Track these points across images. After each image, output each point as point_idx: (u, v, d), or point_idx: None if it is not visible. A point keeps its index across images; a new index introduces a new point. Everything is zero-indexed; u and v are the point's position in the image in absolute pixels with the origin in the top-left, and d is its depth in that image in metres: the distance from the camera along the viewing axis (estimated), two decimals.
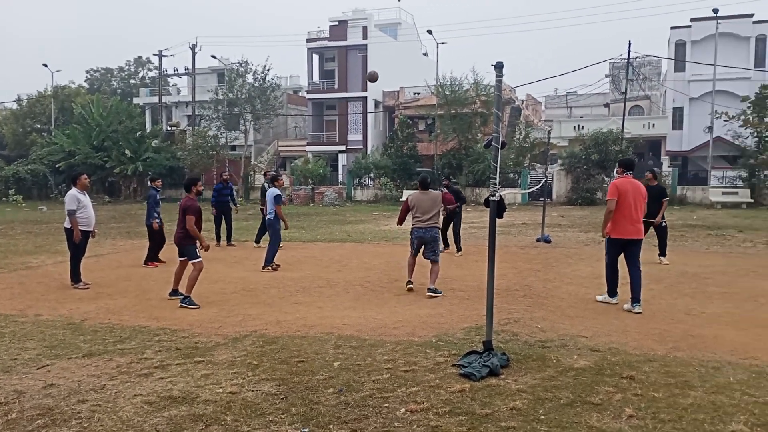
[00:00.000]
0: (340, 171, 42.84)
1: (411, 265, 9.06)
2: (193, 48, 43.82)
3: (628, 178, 7.82)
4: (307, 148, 44.98)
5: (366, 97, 44.10)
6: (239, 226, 16.95)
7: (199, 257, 8.10)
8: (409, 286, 8.85)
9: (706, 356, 5.52)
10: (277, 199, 11.23)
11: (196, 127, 42.84)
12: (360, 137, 44.40)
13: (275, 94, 43.27)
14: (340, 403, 4.50)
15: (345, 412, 4.33)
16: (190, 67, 45.98)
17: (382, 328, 6.66)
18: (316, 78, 47.11)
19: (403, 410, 4.33)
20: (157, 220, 11.74)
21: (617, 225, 7.59)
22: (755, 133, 29.26)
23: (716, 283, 9.28)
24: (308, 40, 46.27)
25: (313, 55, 46.57)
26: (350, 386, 4.82)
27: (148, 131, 44.27)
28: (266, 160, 44.77)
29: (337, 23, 45.63)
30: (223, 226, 14.70)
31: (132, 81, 70.03)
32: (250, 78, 41.52)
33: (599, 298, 8.00)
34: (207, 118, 42.42)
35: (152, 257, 11.73)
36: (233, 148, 43.80)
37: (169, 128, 47.92)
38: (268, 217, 11.53)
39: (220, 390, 4.80)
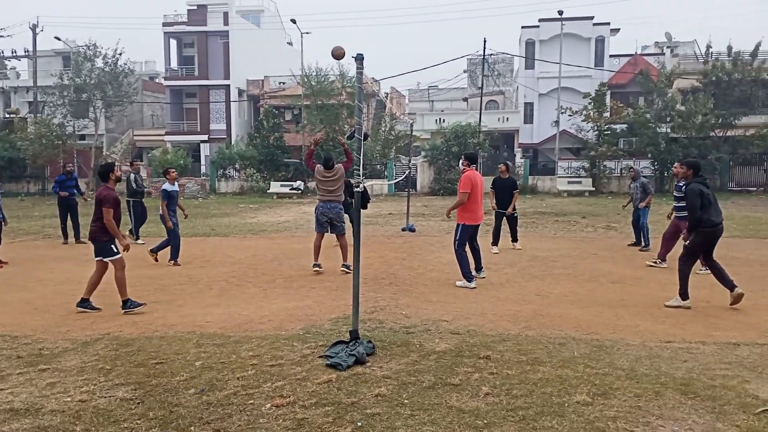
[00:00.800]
0: (203, 162, 41.23)
1: (317, 247, 9.55)
2: (33, 28, 39.89)
3: (474, 170, 8.55)
4: (166, 138, 42.79)
5: (229, 86, 42.80)
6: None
7: (117, 253, 7.22)
8: (316, 269, 9.38)
9: (554, 333, 5.98)
10: (162, 194, 10.63)
11: (38, 115, 39.16)
12: (223, 126, 43.00)
13: (129, 80, 40.65)
14: (202, 403, 4.33)
15: (207, 412, 4.18)
16: (30, 49, 41.81)
17: (248, 324, 6.51)
18: (174, 64, 44.83)
19: (268, 405, 4.26)
20: None
21: (472, 213, 8.36)
22: (595, 128, 32.10)
23: (563, 265, 10.08)
24: (164, 24, 43.98)
25: (171, 39, 44.29)
26: (213, 385, 4.66)
27: None
28: (120, 150, 42.05)
29: (195, 7, 43.69)
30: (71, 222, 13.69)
31: None
32: (99, 62, 38.66)
33: (460, 284, 8.38)
34: (51, 104, 38.88)
35: None
36: (82, 137, 40.61)
37: (7, 116, 43.37)
38: (159, 213, 10.90)
39: (68, 399, 4.44)
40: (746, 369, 4.89)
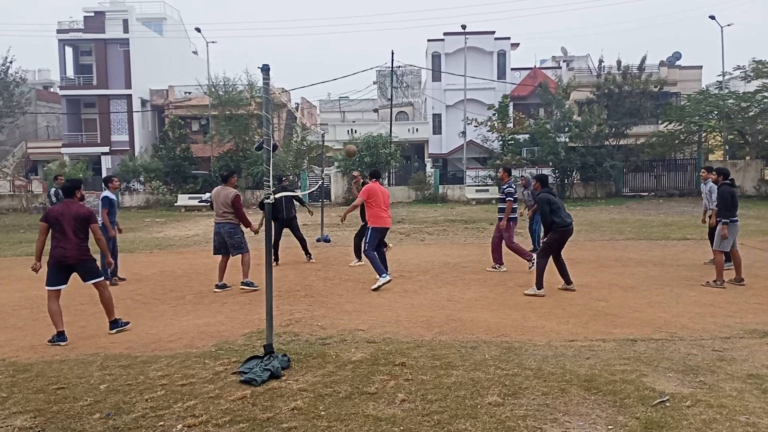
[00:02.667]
0: (104, 174, 39.32)
1: (221, 267, 9.32)
2: None
3: (377, 183, 9.43)
4: (63, 150, 40.55)
5: (131, 95, 41.19)
6: None
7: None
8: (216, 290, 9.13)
9: (466, 337, 6.15)
10: (103, 201, 9.86)
11: None
12: (126, 138, 41.27)
13: (21, 89, 38.28)
14: (108, 428, 4.13)
15: None
16: None
17: (156, 343, 6.26)
18: (70, 72, 42.61)
19: (180, 426, 4.12)
20: None
21: (378, 218, 9.12)
22: (500, 138, 33.36)
23: (473, 270, 10.39)
24: (59, 31, 41.75)
25: (66, 47, 42.12)
26: (120, 409, 4.45)
27: None
28: (12, 163, 39.38)
29: (92, 14, 41.88)
30: None
31: None
32: None
33: (376, 285, 8.76)
34: None
35: None
36: None
37: None
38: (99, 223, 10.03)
39: None
40: (643, 363, 5.22)
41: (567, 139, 31.82)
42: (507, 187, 10.35)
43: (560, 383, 4.74)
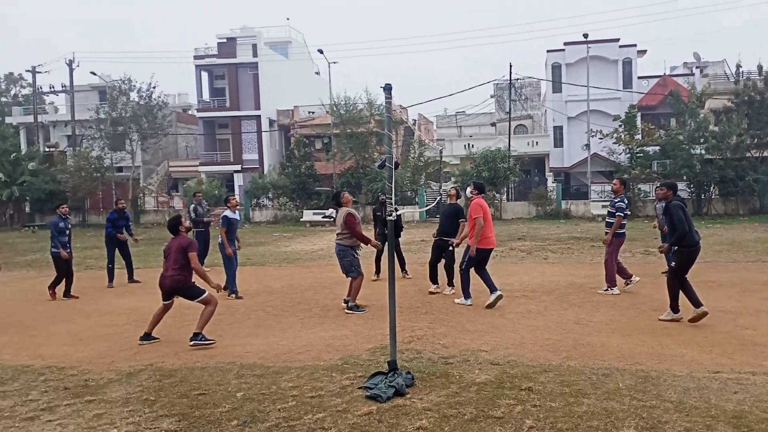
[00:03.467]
0: (237, 191, 41.90)
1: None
2: (70, 64, 41.32)
3: (481, 198, 9.01)
4: (200, 168, 43.66)
5: (260, 116, 43.60)
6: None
7: (204, 291, 7.30)
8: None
9: (597, 363, 5.86)
10: (222, 221, 10.56)
11: (77, 148, 40.36)
12: (256, 156, 43.72)
13: (163, 113, 41.77)
14: None
15: None
16: (67, 84, 43.31)
17: (287, 354, 6.54)
18: (206, 96, 45.98)
19: None
20: (67, 250, 10.99)
21: (486, 238, 8.83)
22: (627, 150, 31.73)
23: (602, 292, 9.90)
24: (196, 57, 45.17)
25: (202, 72, 45.49)
26: (255, 417, 4.69)
27: (23, 153, 41.09)
28: (156, 181, 43.00)
29: (225, 40, 44.91)
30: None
31: (3, 99, 64.85)
32: (134, 95, 39.84)
33: (457, 300, 9.08)
34: (89, 138, 40.09)
35: (54, 286, 10.91)
36: (120, 169, 41.73)
37: (47, 150, 44.80)
38: (219, 241, 10.75)
39: (115, 430, 4.51)
40: None
41: (703, 151, 29.67)
42: (619, 201, 9.75)
43: (705, 419, 4.38)
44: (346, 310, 8.82)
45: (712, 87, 35.23)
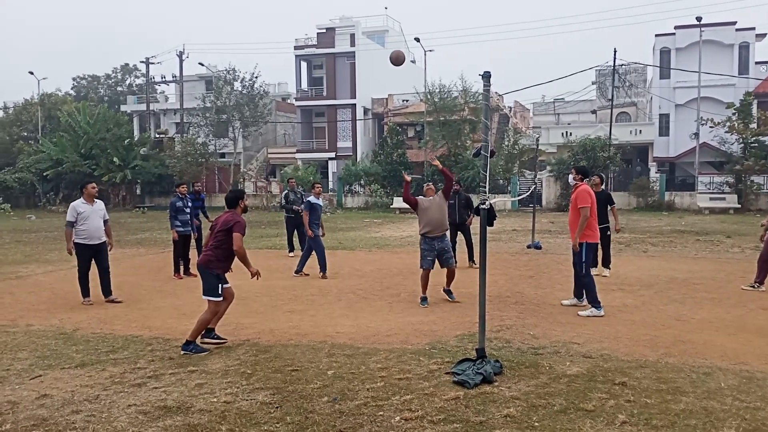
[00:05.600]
0: (330, 178, 42.86)
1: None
2: (180, 55, 43.76)
3: (586, 184, 8.18)
4: (297, 155, 44.95)
5: (355, 104, 44.22)
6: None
7: (221, 295, 6.39)
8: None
9: (697, 362, 5.58)
10: (305, 205, 11.21)
11: (184, 135, 42.71)
12: (349, 144, 44.45)
13: (264, 101, 43.30)
14: (334, 411, 4.50)
15: (340, 420, 4.34)
16: (177, 74, 45.88)
17: (375, 336, 6.67)
18: (304, 85, 47.14)
19: (397, 418, 4.34)
20: (179, 229, 11.24)
21: (593, 230, 7.94)
22: (741, 140, 29.61)
23: (705, 288, 9.37)
24: (296, 48, 46.34)
25: (301, 62, 46.64)
26: (344, 395, 4.83)
27: (136, 139, 44.10)
28: (255, 167, 44.72)
29: (324, 30, 45.74)
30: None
31: (119, 88, 69.68)
32: (237, 85, 41.57)
33: (583, 313, 7.63)
34: (195, 125, 42.32)
35: (176, 268, 11.41)
36: (222, 155, 43.74)
37: (157, 136, 47.74)
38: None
39: (215, 399, 4.79)
40: None
41: None
42: None
43: None
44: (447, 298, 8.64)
45: None
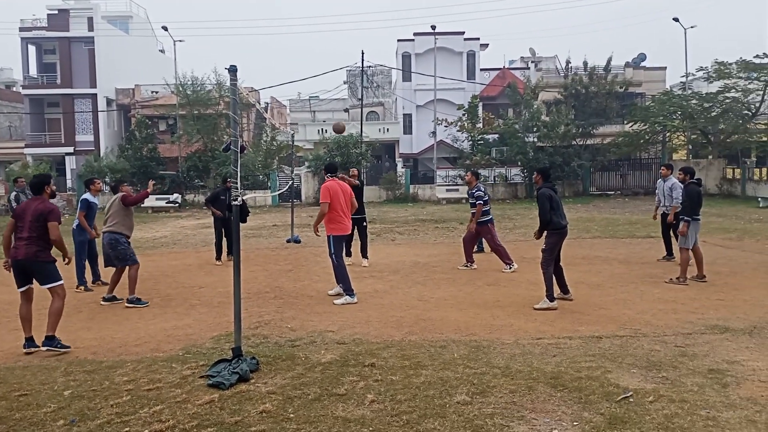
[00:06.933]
0: (69, 176, 38.49)
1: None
2: None
3: (335, 180, 8.43)
4: (26, 150, 39.54)
5: (96, 94, 40.38)
6: None
7: (61, 278, 6.32)
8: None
9: (435, 337, 6.19)
10: (81, 204, 9.68)
11: None
12: (91, 138, 40.43)
13: None
14: None
15: None
16: None
17: (122, 348, 6.17)
18: (33, 71, 41.61)
19: (146, 431, 4.06)
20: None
21: (338, 223, 8.18)
22: (470, 138, 33.60)
23: (443, 270, 10.45)
24: (21, 29, 40.74)
25: (29, 45, 41.15)
26: (84, 415, 4.38)
27: None
28: None
29: (56, 12, 40.91)
30: None
31: None
32: None
33: (338, 301, 7.96)
34: None
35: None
36: None
37: None
38: (72, 226, 9.82)
39: None
40: (608, 360, 5.32)
41: (535, 139, 32.17)
42: (476, 191, 10.48)
43: (527, 381, 4.80)
44: (126, 305, 8.18)
45: (545, 80, 38.20)
